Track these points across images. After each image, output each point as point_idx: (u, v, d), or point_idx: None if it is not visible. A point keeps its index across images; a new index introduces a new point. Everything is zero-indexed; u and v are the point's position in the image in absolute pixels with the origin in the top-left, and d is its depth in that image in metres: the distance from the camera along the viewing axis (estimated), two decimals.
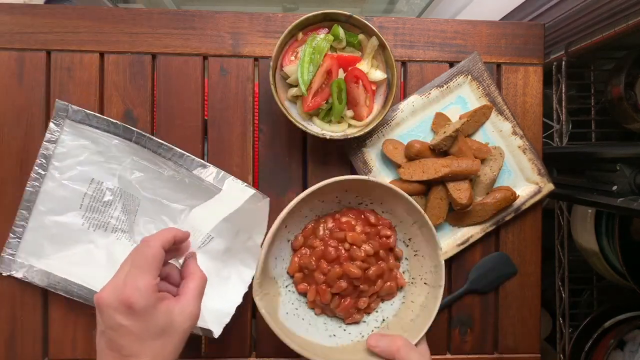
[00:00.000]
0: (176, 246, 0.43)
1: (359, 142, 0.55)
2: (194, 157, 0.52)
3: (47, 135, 0.52)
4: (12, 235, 0.52)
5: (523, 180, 0.58)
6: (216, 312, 0.49)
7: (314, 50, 0.50)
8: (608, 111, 0.80)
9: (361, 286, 0.49)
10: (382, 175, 0.56)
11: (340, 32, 0.51)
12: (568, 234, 0.80)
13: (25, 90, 0.53)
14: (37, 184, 0.52)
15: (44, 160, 0.52)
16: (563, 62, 0.76)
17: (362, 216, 0.52)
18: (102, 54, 0.55)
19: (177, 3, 1.23)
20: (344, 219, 0.51)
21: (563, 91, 0.77)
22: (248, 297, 0.55)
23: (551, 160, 0.72)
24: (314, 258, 0.50)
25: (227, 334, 0.55)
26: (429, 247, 0.51)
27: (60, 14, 0.54)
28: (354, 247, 0.49)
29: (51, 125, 0.52)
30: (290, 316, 0.51)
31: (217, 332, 0.49)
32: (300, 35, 0.51)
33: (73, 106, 0.52)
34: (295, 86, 0.52)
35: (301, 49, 0.51)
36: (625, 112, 0.74)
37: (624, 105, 0.73)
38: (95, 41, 0.54)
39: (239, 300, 0.50)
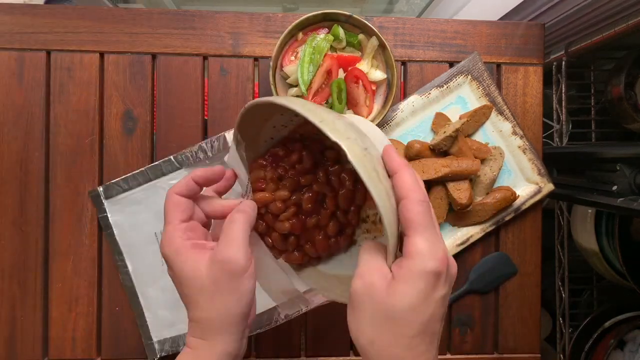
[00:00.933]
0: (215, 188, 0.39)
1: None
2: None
3: (102, 225, 0.54)
4: (139, 322, 0.54)
5: (523, 180, 0.58)
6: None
7: (314, 50, 0.50)
8: (608, 111, 0.80)
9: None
10: None
11: (340, 32, 0.51)
12: (568, 234, 0.80)
13: (25, 90, 0.53)
14: (127, 276, 0.54)
15: (118, 247, 0.54)
16: (563, 62, 0.75)
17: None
18: (102, 54, 0.55)
19: (177, 3, 1.23)
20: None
21: (563, 91, 0.77)
22: None
23: (551, 160, 0.72)
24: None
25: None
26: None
27: (60, 14, 0.54)
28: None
29: (98, 218, 0.54)
30: None
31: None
32: (300, 35, 0.51)
33: (99, 187, 0.53)
34: (295, 86, 0.52)
35: (301, 49, 0.51)
36: (625, 112, 0.74)
37: (624, 105, 0.73)
38: (95, 41, 0.54)
39: None
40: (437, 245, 0.30)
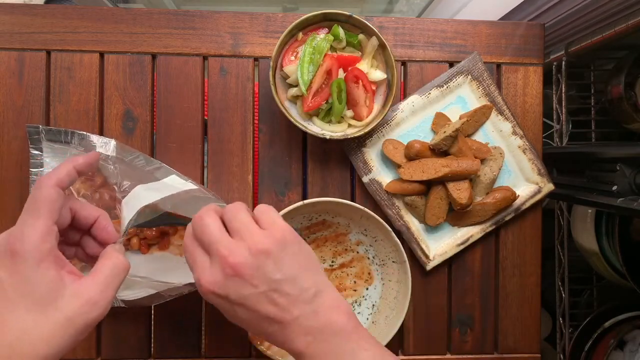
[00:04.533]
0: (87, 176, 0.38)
1: (359, 142, 0.55)
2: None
3: (32, 162, 0.50)
4: None
5: (523, 180, 0.58)
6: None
7: (314, 50, 0.50)
8: (608, 111, 0.80)
9: None
10: (382, 175, 0.56)
11: (340, 32, 0.51)
12: (568, 234, 0.80)
13: (25, 90, 0.53)
14: None
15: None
16: (563, 62, 0.76)
17: None
18: (102, 54, 0.55)
19: (177, 3, 1.23)
20: None
21: (563, 91, 0.77)
22: None
23: (551, 160, 0.72)
24: None
25: (227, 334, 0.55)
26: (382, 232, 0.53)
27: (60, 14, 0.54)
28: None
29: (32, 152, 0.50)
30: None
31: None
32: (300, 35, 0.52)
33: (44, 127, 0.50)
34: (295, 86, 0.52)
35: (301, 49, 0.51)
36: (625, 112, 0.74)
37: (624, 105, 0.73)
38: (95, 41, 0.54)
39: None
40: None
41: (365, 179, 0.55)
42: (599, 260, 0.76)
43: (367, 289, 0.56)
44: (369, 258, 0.56)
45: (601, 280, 0.85)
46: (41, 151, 0.51)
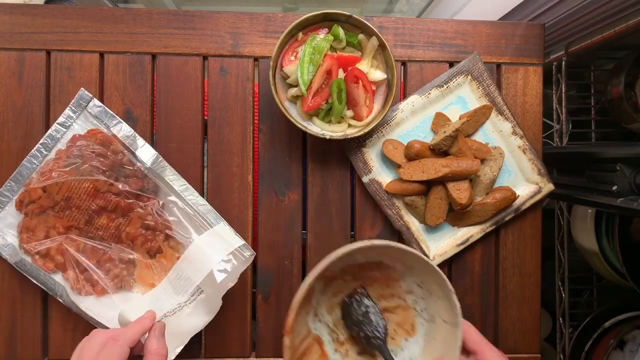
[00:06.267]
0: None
1: (359, 142, 0.55)
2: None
3: (61, 119, 0.52)
4: None
5: (523, 180, 0.58)
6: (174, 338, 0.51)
7: (313, 50, 0.50)
8: (608, 111, 0.80)
9: None
10: (382, 175, 0.56)
11: (340, 32, 0.51)
12: (568, 234, 0.80)
13: (25, 90, 0.53)
14: (36, 162, 0.52)
15: (49, 141, 0.52)
16: (563, 62, 0.76)
17: None
18: (102, 54, 0.55)
19: (177, 3, 1.23)
20: None
21: (563, 91, 0.77)
22: (246, 298, 0.55)
23: (551, 160, 0.72)
24: None
25: (227, 334, 0.55)
26: (441, 289, 0.47)
27: (60, 14, 0.54)
28: None
29: (67, 111, 0.53)
30: None
31: (172, 355, 0.51)
32: (300, 35, 0.52)
33: (96, 100, 0.53)
34: (295, 86, 0.52)
35: (301, 49, 0.51)
36: (625, 112, 0.74)
37: (624, 105, 0.73)
38: (95, 41, 0.54)
39: (197, 330, 0.52)
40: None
41: (365, 179, 0.55)
42: (599, 260, 0.76)
43: (406, 339, 0.51)
44: (416, 309, 0.51)
45: (601, 280, 0.85)
46: (76, 116, 0.53)
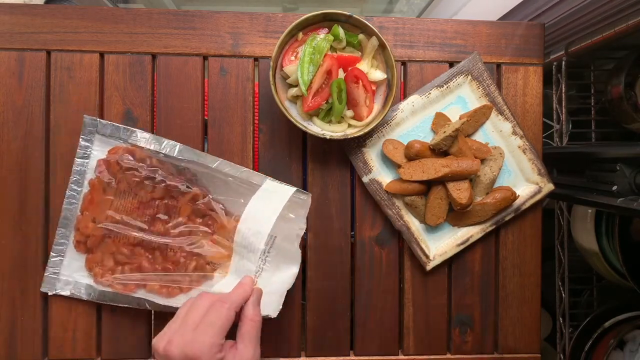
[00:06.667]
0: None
1: (359, 142, 0.55)
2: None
3: (79, 152, 0.53)
4: (54, 254, 0.53)
5: (523, 180, 0.58)
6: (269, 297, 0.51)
7: (314, 50, 0.50)
8: (608, 111, 0.80)
9: None
10: (382, 175, 0.56)
11: (340, 32, 0.51)
12: (568, 234, 0.80)
13: (25, 90, 0.53)
14: (74, 201, 0.53)
15: (78, 177, 0.53)
16: (563, 62, 0.76)
17: None
18: (102, 54, 0.55)
19: (177, 3, 1.23)
20: None
21: (563, 91, 0.77)
22: None
23: (551, 160, 0.72)
24: None
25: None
26: None
27: (60, 14, 0.54)
28: None
29: (81, 142, 0.53)
30: None
31: (274, 314, 0.50)
32: (301, 35, 0.52)
33: (102, 120, 0.53)
34: (296, 86, 0.52)
35: (301, 49, 0.51)
36: (625, 112, 0.74)
37: (624, 105, 0.73)
38: (95, 41, 0.54)
39: (290, 285, 0.52)
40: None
41: (365, 179, 0.55)
42: (599, 260, 0.76)
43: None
44: None
45: (601, 280, 0.85)
46: (91, 143, 0.53)
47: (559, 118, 0.78)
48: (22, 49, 0.54)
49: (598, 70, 0.83)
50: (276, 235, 0.52)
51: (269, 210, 0.49)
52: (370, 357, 0.57)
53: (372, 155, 0.56)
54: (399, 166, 0.54)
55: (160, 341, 0.40)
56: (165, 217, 0.53)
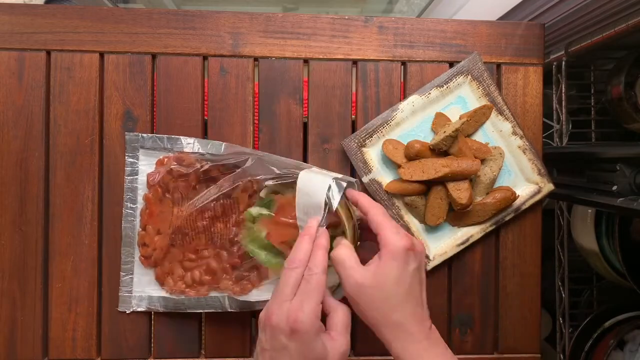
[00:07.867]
0: None
1: (359, 142, 0.55)
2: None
3: (127, 170, 0.53)
4: (124, 274, 0.53)
5: (523, 180, 0.58)
6: None
7: None
8: (608, 111, 0.80)
9: None
10: (382, 175, 0.56)
11: None
12: (568, 234, 0.80)
13: (25, 90, 0.53)
14: (132, 219, 0.53)
15: (131, 194, 0.53)
16: (563, 62, 0.76)
17: None
18: (102, 54, 0.55)
19: (177, 3, 1.23)
20: None
21: (563, 91, 0.77)
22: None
23: (551, 160, 0.72)
24: None
25: (227, 334, 0.55)
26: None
27: (60, 14, 0.54)
28: None
29: (127, 159, 0.53)
30: None
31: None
32: None
33: (144, 134, 0.54)
34: None
35: None
36: (625, 112, 0.74)
37: (624, 105, 0.73)
38: (95, 41, 0.54)
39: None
40: (400, 232, 0.42)
41: (365, 179, 0.55)
42: (599, 260, 0.76)
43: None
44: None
45: (601, 280, 0.85)
46: (137, 159, 0.54)
47: (559, 118, 0.78)
48: (22, 49, 0.54)
49: (598, 70, 0.83)
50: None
51: (320, 175, 0.47)
52: (371, 357, 0.57)
53: (372, 155, 0.56)
54: (399, 166, 0.54)
55: (264, 314, 0.41)
56: (225, 218, 0.53)
